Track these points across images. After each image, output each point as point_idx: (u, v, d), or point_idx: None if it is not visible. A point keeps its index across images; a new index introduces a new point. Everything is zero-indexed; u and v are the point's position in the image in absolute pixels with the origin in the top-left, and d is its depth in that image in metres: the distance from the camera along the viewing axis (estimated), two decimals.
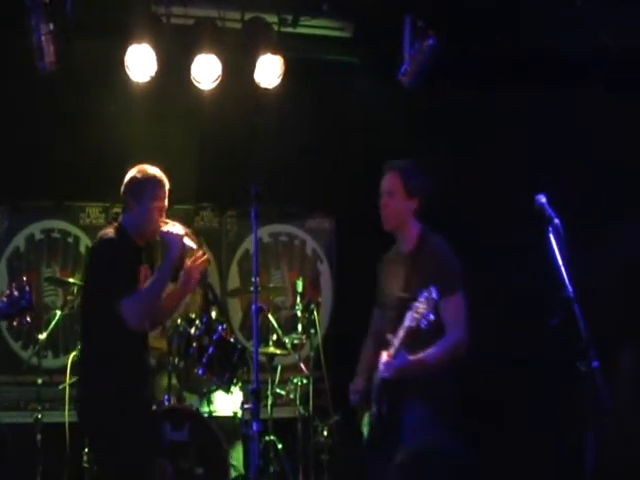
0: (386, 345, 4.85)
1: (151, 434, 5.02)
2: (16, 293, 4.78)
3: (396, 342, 4.68)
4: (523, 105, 7.38)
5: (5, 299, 4.80)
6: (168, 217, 7.92)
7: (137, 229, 4.99)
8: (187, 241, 5.03)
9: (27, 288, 4.81)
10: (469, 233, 7.46)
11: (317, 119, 8.14)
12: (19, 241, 8.15)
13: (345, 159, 8.24)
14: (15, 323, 5.04)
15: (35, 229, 8.21)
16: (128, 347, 4.82)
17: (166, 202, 5.09)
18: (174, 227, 5.03)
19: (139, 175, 5.00)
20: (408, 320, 4.56)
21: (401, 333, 4.63)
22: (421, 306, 4.51)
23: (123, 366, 4.82)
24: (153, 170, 5.05)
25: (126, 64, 6.91)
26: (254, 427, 5.22)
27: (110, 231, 4.98)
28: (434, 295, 4.50)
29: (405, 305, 4.78)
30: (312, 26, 7.65)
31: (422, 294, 4.52)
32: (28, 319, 4.99)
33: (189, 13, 7.26)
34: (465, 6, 6.90)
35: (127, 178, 5.02)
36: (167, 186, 5.06)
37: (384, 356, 4.79)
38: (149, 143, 7.46)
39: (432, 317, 4.51)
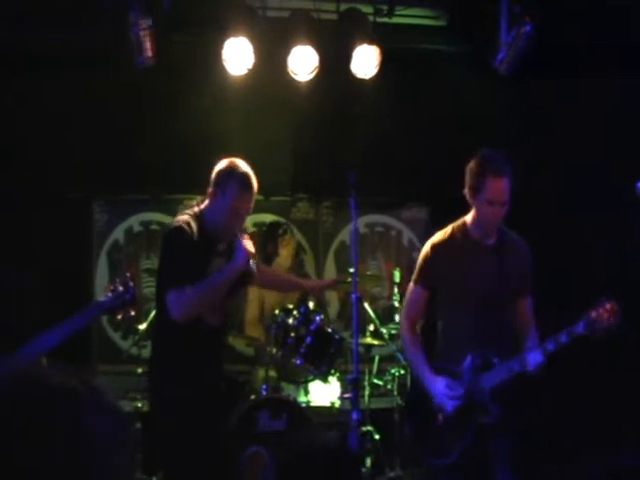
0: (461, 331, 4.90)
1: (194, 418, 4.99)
2: (120, 288, 4.83)
3: (550, 345, 4.62)
4: (621, 92, 7.27)
5: (110, 294, 4.86)
6: (265, 209, 8.03)
7: (213, 220, 4.96)
8: (251, 262, 4.91)
9: (131, 283, 4.88)
10: (570, 220, 7.41)
11: (412, 108, 8.10)
12: (118, 234, 8.30)
13: (440, 148, 8.19)
14: (119, 317, 5.10)
15: (134, 222, 8.34)
16: (185, 332, 4.89)
17: (247, 207, 4.98)
18: (247, 242, 4.93)
19: (231, 167, 4.94)
20: (582, 327, 4.52)
21: (563, 338, 4.57)
22: (604, 317, 4.47)
23: (177, 346, 4.97)
24: (246, 169, 4.96)
25: (223, 57, 6.97)
26: (353, 416, 5.23)
27: (184, 218, 4.96)
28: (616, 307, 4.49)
29: (490, 300, 4.86)
30: (407, 15, 7.61)
31: (603, 304, 4.49)
32: (132, 313, 5.06)
33: (284, 5, 7.29)
34: None
35: (220, 166, 4.98)
36: (253, 191, 4.95)
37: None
38: (246, 135, 7.52)
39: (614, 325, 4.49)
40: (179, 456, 4.90)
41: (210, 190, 4.97)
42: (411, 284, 5.22)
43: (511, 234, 5.09)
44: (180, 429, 4.89)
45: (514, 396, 4.76)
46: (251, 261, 4.88)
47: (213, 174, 4.98)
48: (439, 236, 5.15)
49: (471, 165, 4.94)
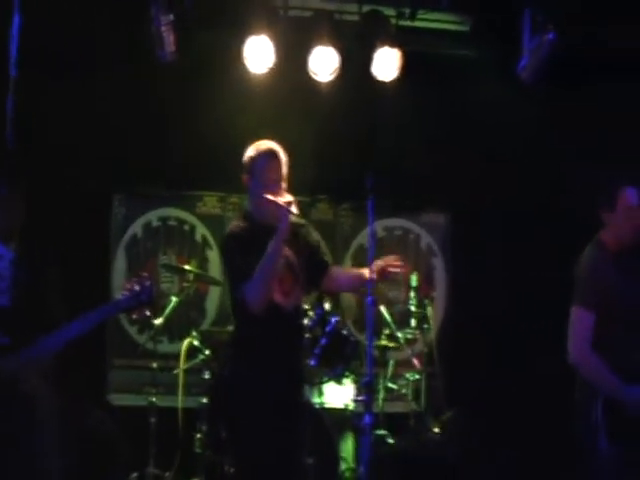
0: None
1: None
2: (137, 287, 4.77)
3: None
4: None
5: (127, 292, 4.80)
6: None
7: (255, 205, 4.93)
8: (293, 209, 4.74)
9: (147, 283, 4.82)
10: None
11: (434, 113, 8.09)
12: (136, 228, 8.31)
13: (461, 153, 8.16)
14: (135, 316, 5.06)
15: (152, 217, 8.35)
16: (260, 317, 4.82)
17: (277, 177, 4.88)
18: (284, 197, 4.78)
19: (252, 148, 4.94)
20: None
21: None
22: None
23: (253, 330, 4.87)
24: (268, 144, 4.96)
25: (244, 55, 6.98)
26: (366, 419, 5.18)
27: (232, 223, 5.05)
28: None
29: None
30: (430, 20, 7.58)
31: None
32: (147, 313, 5.01)
33: (307, 5, 7.29)
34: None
35: (245, 153, 4.96)
36: (279, 159, 4.91)
37: None
38: (265, 134, 7.48)
39: None
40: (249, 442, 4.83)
41: (243, 178, 4.96)
42: (577, 309, 5.03)
43: None
44: (250, 411, 4.82)
45: None
46: (292, 208, 4.72)
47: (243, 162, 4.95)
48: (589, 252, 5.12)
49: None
